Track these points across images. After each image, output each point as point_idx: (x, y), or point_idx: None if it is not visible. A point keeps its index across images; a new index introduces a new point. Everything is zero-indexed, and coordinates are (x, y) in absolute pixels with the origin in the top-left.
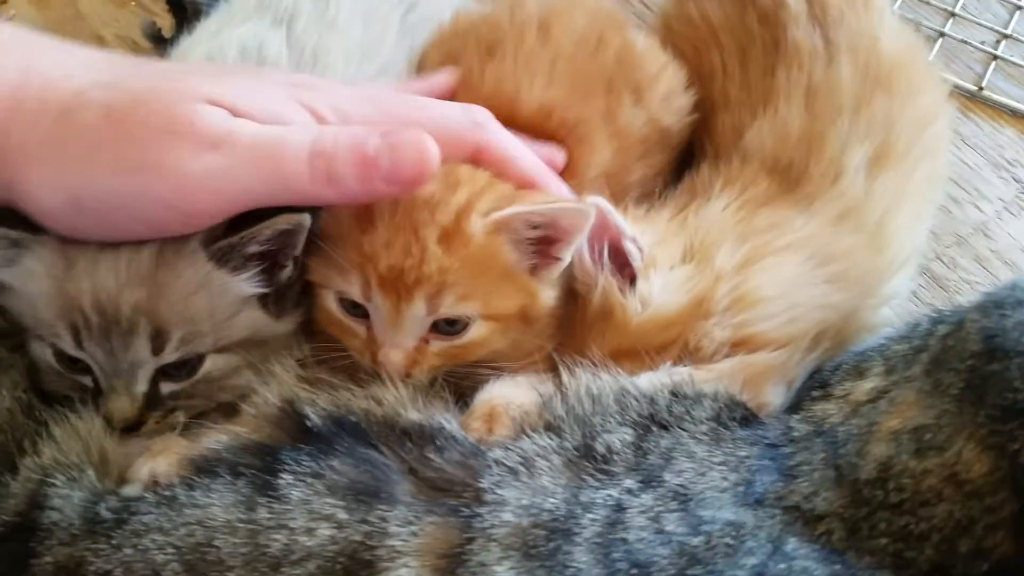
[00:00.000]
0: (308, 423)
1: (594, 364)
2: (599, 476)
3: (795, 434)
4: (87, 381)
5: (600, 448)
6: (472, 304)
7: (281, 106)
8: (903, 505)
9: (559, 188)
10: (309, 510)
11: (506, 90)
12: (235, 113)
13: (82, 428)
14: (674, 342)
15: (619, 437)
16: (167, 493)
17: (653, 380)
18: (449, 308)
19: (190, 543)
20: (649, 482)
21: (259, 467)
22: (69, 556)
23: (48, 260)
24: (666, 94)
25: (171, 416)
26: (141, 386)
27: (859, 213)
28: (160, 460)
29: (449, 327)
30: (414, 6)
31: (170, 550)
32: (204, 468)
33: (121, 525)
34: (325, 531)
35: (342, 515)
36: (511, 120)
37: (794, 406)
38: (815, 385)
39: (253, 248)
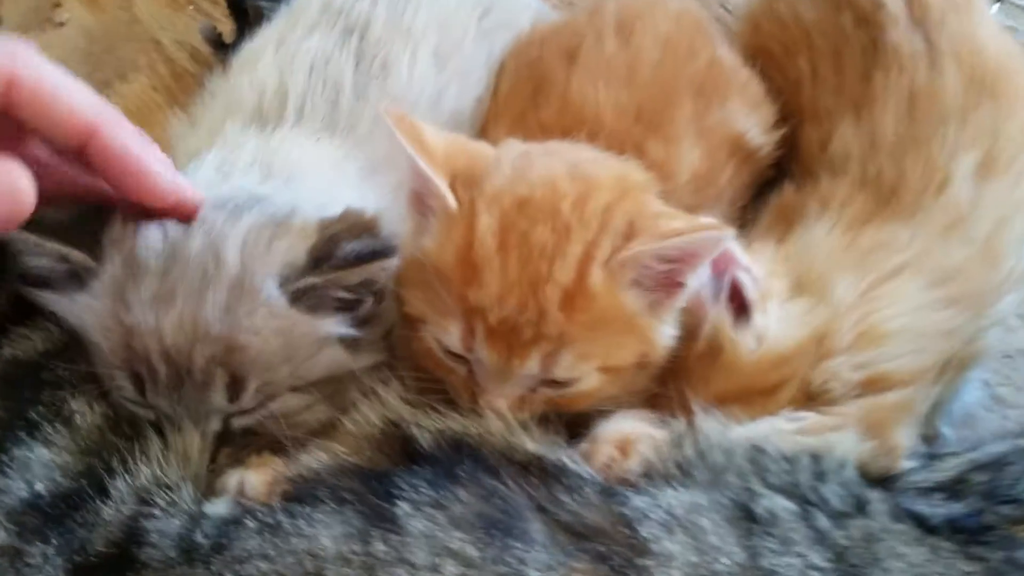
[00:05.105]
0: (418, 446)
1: (713, 408)
2: (771, 540)
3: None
4: (149, 415)
5: (759, 511)
6: (590, 363)
7: None
8: None
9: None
10: (432, 544)
11: (591, 95)
12: None
13: (179, 442)
14: (787, 383)
15: (781, 504)
16: (268, 520)
17: (781, 432)
18: (566, 369)
19: (298, 573)
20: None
21: (367, 493)
22: None
23: (105, 308)
24: (753, 103)
25: (243, 451)
26: (214, 426)
27: (968, 224)
28: (252, 474)
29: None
30: (489, 11)
31: None
32: (304, 491)
33: (220, 551)
34: (452, 569)
35: (472, 551)
36: (597, 123)
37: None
38: (1003, 500)
39: (341, 294)
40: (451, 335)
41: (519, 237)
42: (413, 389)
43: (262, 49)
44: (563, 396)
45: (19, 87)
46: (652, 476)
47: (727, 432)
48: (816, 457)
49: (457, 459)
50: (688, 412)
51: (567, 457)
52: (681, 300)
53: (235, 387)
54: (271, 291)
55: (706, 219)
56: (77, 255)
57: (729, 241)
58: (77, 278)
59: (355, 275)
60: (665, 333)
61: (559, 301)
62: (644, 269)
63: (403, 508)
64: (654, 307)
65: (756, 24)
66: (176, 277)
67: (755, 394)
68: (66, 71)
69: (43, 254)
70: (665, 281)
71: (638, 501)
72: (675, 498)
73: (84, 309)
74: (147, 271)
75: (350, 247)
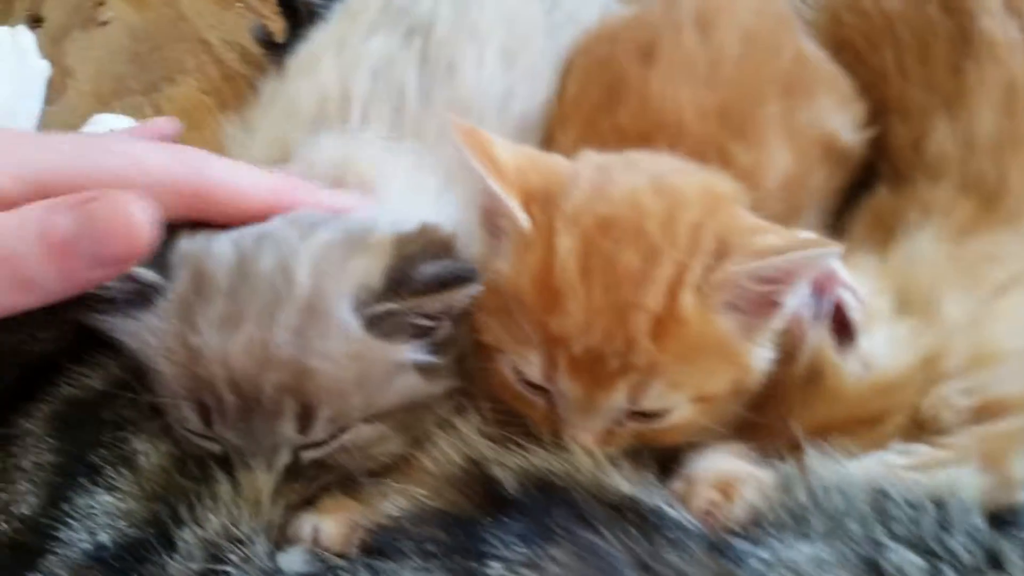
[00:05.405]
0: (502, 490)
1: (817, 440)
2: None
3: None
4: (215, 449)
5: (887, 567)
6: (681, 393)
7: None
8: None
9: (323, 197)
10: None
11: (670, 96)
12: None
13: (249, 483)
14: (894, 412)
15: (908, 559)
16: None
17: (893, 467)
18: (655, 400)
19: None
20: None
21: (453, 547)
22: None
23: (171, 329)
24: (842, 100)
25: (313, 484)
26: (283, 459)
27: None
28: (327, 521)
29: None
30: (556, 4)
31: None
32: (384, 542)
33: None
34: None
35: None
36: (678, 127)
37: None
38: None
39: (418, 321)
40: (531, 365)
41: (603, 260)
42: (492, 421)
43: (321, 52)
44: (652, 429)
45: (205, 197)
46: (763, 526)
47: (841, 471)
48: (940, 503)
49: (546, 507)
50: (792, 445)
51: (664, 502)
52: (778, 321)
53: (306, 417)
54: (345, 314)
55: (806, 234)
56: (146, 274)
57: (833, 258)
58: (144, 298)
59: (436, 302)
60: (761, 357)
61: (649, 329)
62: (738, 290)
63: (495, 568)
64: (749, 330)
65: (836, 15)
66: (245, 297)
67: (860, 424)
68: (229, 160)
69: None
70: (761, 301)
71: (753, 559)
72: (796, 552)
73: (150, 331)
74: (216, 290)
75: (430, 270)
